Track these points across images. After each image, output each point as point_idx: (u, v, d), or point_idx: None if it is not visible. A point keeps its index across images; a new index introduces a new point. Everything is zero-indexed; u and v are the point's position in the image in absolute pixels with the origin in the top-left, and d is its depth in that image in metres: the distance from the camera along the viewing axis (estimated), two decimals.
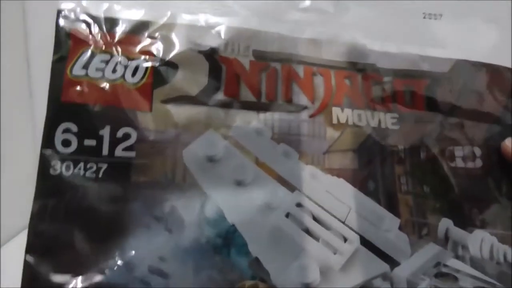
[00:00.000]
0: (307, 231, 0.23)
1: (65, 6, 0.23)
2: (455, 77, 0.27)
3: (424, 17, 0.29)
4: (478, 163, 0.27)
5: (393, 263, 0.23)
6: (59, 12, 0.23)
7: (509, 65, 0.29)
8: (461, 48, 0.28)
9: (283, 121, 0.24)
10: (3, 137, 0.33)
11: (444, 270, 0.24)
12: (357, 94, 0.26)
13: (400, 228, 0.24)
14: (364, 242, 0.24)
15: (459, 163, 0.27)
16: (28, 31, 0.36)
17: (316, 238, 0.23)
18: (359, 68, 0.26)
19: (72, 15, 0.23)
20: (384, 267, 0.23)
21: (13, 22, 0.35)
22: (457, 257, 0.24)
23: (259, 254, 0.22)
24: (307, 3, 0.27)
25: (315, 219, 0.24)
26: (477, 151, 0.27)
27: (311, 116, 0.25)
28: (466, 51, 0.28)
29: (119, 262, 0.20)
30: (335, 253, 0.23)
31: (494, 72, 0.28)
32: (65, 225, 0.20)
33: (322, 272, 0.22)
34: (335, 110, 0.25)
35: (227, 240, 0.22)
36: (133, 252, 0.20)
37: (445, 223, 0.25)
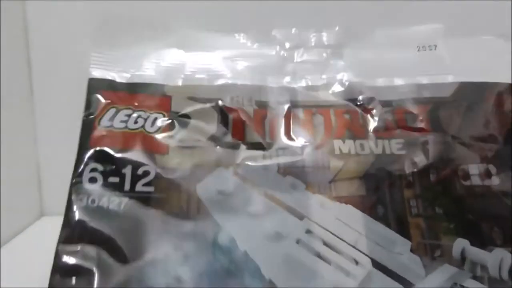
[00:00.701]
0: (319, 256, 0.24)
1: (95, 74, 0.27)
2: (458, 100, 0.28)
3: (419, 50, 0.29)
4: (495, 180, 0.26)
5: (407, 285, 0.23)
6: (90, 79, 0.27)
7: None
8: (462, 71, 0.28)
9: (287, 156, 0.26)
10: (3, 137, 0.33)
11: None
12: (358, 126, 0.27)
13: (411, 250, 0.24)
14: (377, 265, 0.23)
15: (475, 181, 0.26)
16: (29, 31, 0.35)
17: (328, 262, 0.23)
18: (358, 104, 0.28)
19: (101, 81, 0.27)
20: None
21: (14, 21, 0.35)
22: (475, 277, 0.24)
23: (273, 278, 0.22)
24: (302, 55, 0.30)
25: (325, 244, 0.24)
26: (492, 169, 0.26)
27: (314, 149, 0.26)
28: (467, 74, 0.28)
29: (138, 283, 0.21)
30: (347, 276, 0.23)
31: (499, 89, 0.28)
32: (89, 254, 0.22)
33: None
34: (337, 143, 0.27)
35: (240, 265, 0.23)
36: (154, 278, 0.21)
37: (460, 243, 0.24)
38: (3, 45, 0.34)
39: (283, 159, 0.26)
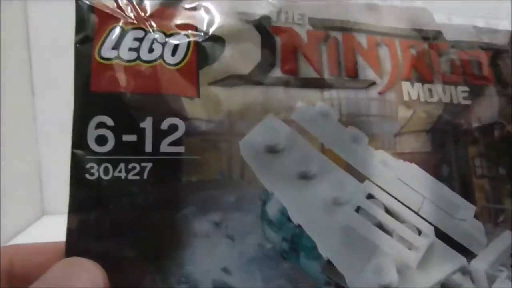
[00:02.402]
0: (380, 226, 0.19)
1: None
2: None
3: None
4: None
5: (468, 254, 0.20)
6: None
7: None
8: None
9: (351, 100, 0.20)
10: (4, 137, 0.31)
11: None
12: (424, 65, 0.22)
13: (475, 216, 0.21)
14: (439, 234, 0.20)
15: None
16: (30, 27, 0.34)
17: (390, 233, 0.19)
18: (425, 36, 0.22)
19: None
20: (462, 260, 0.20)
21: (15, 19, 0.34)
22: None
23: (331, 256, 0.18)
24: None
25: (387, 211, 0.20)
26: None
27: (381, 93, 0.20)
28: None
29: (179, 278, 0.16)
30: (410, 249, 0.19)
31: None
32: (112, 241, 0.16)
33: (399, 270, 0.19)
34: (405, 85, 0.21)
35: (294, 244, 0.18)
36: (194, 266, 0.16)
37: None
38: (3, 44, 0.32)
39: (346, 104, 0.20)
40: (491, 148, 0.22)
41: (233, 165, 0.18)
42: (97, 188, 0.16)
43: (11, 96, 0.32)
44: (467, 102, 0.22)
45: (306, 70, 0.19)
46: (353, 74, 0.20)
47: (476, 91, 0.22)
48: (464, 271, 0.20)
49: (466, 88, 0.22)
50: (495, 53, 0.23)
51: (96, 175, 0.16)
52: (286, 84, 0.19)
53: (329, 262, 0.18)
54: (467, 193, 0.21)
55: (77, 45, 0.17)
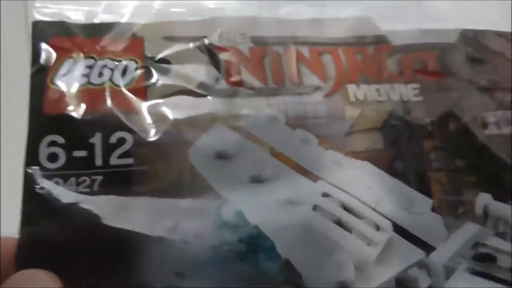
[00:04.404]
0: (338, 223, 0.19)
1: (40, 16, 0.19)
2: (464, 46, 0.24)
3: None
4: None
5: (428, 248, 0.19)
6: (35, 22, 0.19)
7: None
8: (464, 20, 0.25)
9: (297, 104, 0.20)
10: (4, 136, 0.32)
11: (482, 250, 0.20)
12: (371, 68, 0.22)
13: (433, 209, 0.20)
14: (397, 229, 0.20)
15: (493, 129, 0.23)
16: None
17: (349, 230, 0.19)
18: (369, 42, 0.23)
19: (50, 25, 0.20)
20: (420, 253, 0.19)
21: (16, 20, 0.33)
22: (498, 234, 0.21)
23: (289, 256, 0.18)
24: None
25: (345, 208, 0.19)
26: (508, 115, 0.23)
27: (326, 95, 0.21)
28: (469, 23, 0.25)
29: (133, 285, 0.16)
30: (369, 245, 0.19)
31: (505, 38, 0.25)
32: (62, 252, 0.16)
33: (357, 266, 0.18)
34: (351, 88, 0.21)
35: (251, 245, 0.18)
36: (147, 271, 0.16)
37: (483, 198, 0.21)
38: (4, 44, 0.32)
39: (292, 108, 0.20)
40: (447, 141, 0.22)
41: (184, 173, 0.18)
42: (47, 201, 0.16)
43: (12, 96, 0.32)
44: (419, 98, 0.22)
45: (251, 81, 0.20)
46: (297, 81, 0.21)
47: (427, 87, 0.22)
48: (421, 265, 0.19)
49: (416, 85, 0.22)
50: (442, 51, 0.24)
51: (47, 189, 0.16)
52: (232, 95, 0.20)
53: (287, 261, 0.18)
54: (423, 187, 0.21)
55: (32, 75, 0.18)
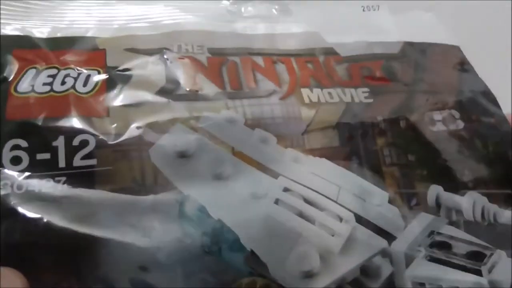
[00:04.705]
0: (301, 215, 0.20)
1: (6, 30, 0.20)
2: (407, 57, 0.26)
3: (364, 10, 0.28)
4: (460, 124, 0.25)
5: (389, 237, 0.20)
6: (1, 36, 0.20)
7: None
8: (403, 33, 0.28)
9: (254, 106, 0.21)
10: None
11: (438, 238, 0.21)
12: (322, 75, 0.24)
13: (389, 202, 0.21)
14: (360, 220, 0.20)
15: (440, 126, 0.24)
16: None
17: (312, 221, 0.19)
18: (318, 53, 0.25)
19: (14, 39, 0.20)
20: (383, 243, 0.20)
21: None
22: (451, 223, 0.22)
23: (254, 247, 0.18)
24: (250, 10, 0.26)
25: (306, 201, 0.20)
26: (455, 114, 0.25)
27: (282, 98, 0.22)
28: (409, 35, 0.28)
29: (95, 279, 0.16)
30: (333, 235, 0.19)
31: (442, 49, 0.28)
32: (26, 250, 0.16)
33: (322, 256, 0.19)
34: (305, 91, 0.23)
35: (215, 238, 0.18)
36: (110, 266, 0.16)
37: (434, 190, 0.22)
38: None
39: (249, 110, 0.21)
40: (398, 137, 0.23)
41: (146, 172, 0.19)
42: (9, 202, 0.16)
43: None
44: (369, 100, 0.23)
45: (209, 87, 0.21)
46: (254, 86, 0.22)
47: (376, 91, 0.24)
48: (384, 253, 0.20)
49: (366, 89, 0.24)
50: (387, 60, 0.26)
51: (10, 190, 0.17)
52: (191, 99, 0.21)
53: (252, 253, 0.18)
54: (378, 181, 0.22)
55: None
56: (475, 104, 0.26)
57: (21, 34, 0.20)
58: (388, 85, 0.25)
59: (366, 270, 0.19)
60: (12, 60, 0.19)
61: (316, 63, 0.24)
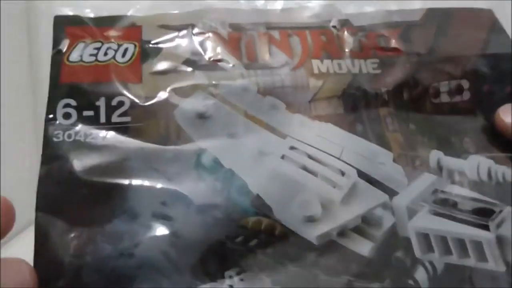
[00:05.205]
0: (305, 169, 0.22)
1: (61, 12, 0.25)
2: (428, 23, 0.27)
3: None
4: (466, 95, 0.26)
5: (391, 193, 0.22)
6: (56, 16, 0.24)
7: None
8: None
9: (267, 76, 0.24)
10: (4, 136, 0.33)
11: (442, 196, 0.23)
12: (334, 47, 0.26)
13: (394, 161, 0.23)
14: (362, 175, 0.23)
15: (444, 98, 0.26)
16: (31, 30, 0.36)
17: (314, 174, 0.22)
18: (333, 25, 0.27)
19: (67, 18, 0.25)
20: (384, 197, 0.22)
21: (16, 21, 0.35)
22: (454, 183, 0.23)
23: (260, 192, 0.21)
24: None
25: (310, 157, 0.23)
26: (465, 84, 0.26)
27: (293, 69, 0.25)
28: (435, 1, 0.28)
29: (123, 211, 0.20)
30: (334, 187, 0.22)
31: (468, 13, 0.28)
32: (71, 185, 0.20)
33: (324, 205, 0.21)
34: (315, 62, 0.25)
35: (226, 182, 0.21)
36: (135, 200, 0.20)
37: (435, 155, 0.24)
38: (3, 42, 0.33)
39: (262, 79, 0.24)
40: (400, 108, 0.25)
41: (170, 129, 0.22)
42: (61, 147, 0.21)
43: (12, 96, 0.34)
44: (377, 71, 0.25)
45: (228, 59, 0.24)
46: (268, 58, 0.25)
47: (385, 62, 0.26)
48: (385, 206, 0.22)
49: (375, 60, 0.26)
50: (406, 28, 0.27)
51: (61, 138, 0.21)
52: (211, 69, 0.24)
53: (258, 196, 0.21)
54: (383, 144, 0.24)
55: (53, 55, 0.23)
56: (493, 72, 0.26)
57: (72, 13, 0.25)
58: (400, 56, 0.26)
59: (367, 220, 0.21)
60: (65, 36, 0.24)
61: (330, 35, 0.26)
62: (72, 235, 0.19)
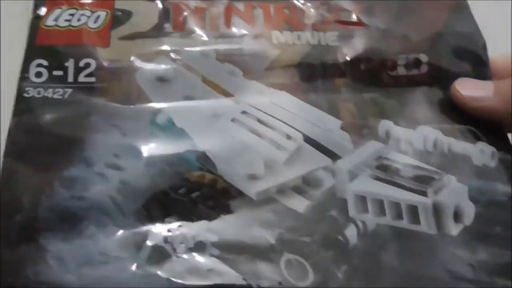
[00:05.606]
0: (252, 131, 0.24)
1: None
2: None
3: None
4: (424, 68, 0.27)
5: (335, 158, 0.23)
6: None
7: None
8: None
9: (226, 44, 0.26)
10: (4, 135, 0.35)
11: (385, 162, 0.24)
12: (296, 20, 0.27)
13: (342, 128, 0.24)
14: (308, 140, 0.24)
15: (401, 71, 0.27)
16: None
17: (261, 137, 0.24)
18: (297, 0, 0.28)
19: None
20: (326, 160, 0.23)
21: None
22: (399, 151, 0.24)
23: (206, 149, 0.23)
24: None
25: (259, 121, 0.24)
26: (423, 57, 0.27)
27: (252, 39, 0.26)
28: None
29: (80, 159, 0.22)
30: (279, 149, 0.23)
31: None
32: (37, 134, 0.22)
33: (267, 164, 0.23)
34: (275, 33, 0.27)
35: (176, 140, 0.23)
36: (92, 151, 0.22)
37: (385, 124, 0.25)
38: (3, 41, 0.35)
39: (222, 47, 0.26)
40: (356, 79, 0.26)
41: (132, 91, 0.24)
42: (31, 102, 0.23)
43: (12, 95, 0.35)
44: (336, 44, 0.27)
45: (192, 27, 0.26)
46: (230, 28, 0.26)
47: (345, 34, 0.27)
48: (327, 169, 0.23)
49: (335, 33, 0.27)
50: (370, 3, 0.28)
51: (31, 94, 0.23)
52: (175, 36, 0.26)
53: (203, 153, 0.23)
54: (333, 113, 0.25)
55: (32, 19, 0.25)
56: (453, 49, 0.27)
57: None
58: (361, 29, 0.27)
59: (308, 180, 0.23)
60: (45, 2, 0.26)
61: (293, 9, 0.28)
62: (33, 178, 0.22)
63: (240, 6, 0.27)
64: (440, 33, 0.27)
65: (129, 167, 0.22)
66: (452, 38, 0.27)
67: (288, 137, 0.24)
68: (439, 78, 0.26)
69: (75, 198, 0.21)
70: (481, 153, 0.24)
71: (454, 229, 0.22)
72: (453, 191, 0.22)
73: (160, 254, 0.20)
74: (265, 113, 0.25)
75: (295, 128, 0.24)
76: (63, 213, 0.21)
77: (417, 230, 0.22)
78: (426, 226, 0.22)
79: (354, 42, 0.27)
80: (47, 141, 0.22)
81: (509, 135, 0.25)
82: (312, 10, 0.28)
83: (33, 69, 0.24)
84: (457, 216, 0.22)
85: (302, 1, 0.28)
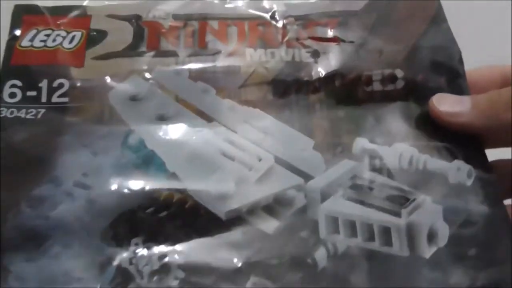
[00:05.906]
0: (223, 153, 0.24)
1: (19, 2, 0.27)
2: (368, 13, 0.28)
3: None
4: (400, 84, 0.26)
5: (308, 178, 0.23)
6: (16, 5, 0.27)
7: None
8: None
9: (199, 62, 0.26)
10: None
11: (359, 182, 0.23)
12: (270, 37, 0.27)
13: (314, 148, 0.24)
14: (279, 161, 0.24)
15: (376, 86, 0.26)
16: None
17: (232, 158, 0.24)
18: (272, 16, 0.28)
19: (26, 6, 0.27)
20: (298, 179, 0.23)
21: None
22: (374, 170, 0.24)
23: (176, 171, 0.23)
24: None
25: (230, 143, 0.24)
26: (399, 73, 0.26)
27: (226, 56, 0.26)
28: None
29: (49, 179, 0.22)
30: (250, 170, 0.23)
31: (412, 4, 0.29)
32: (7, 153, 0.23)
33: (237, 184, 0.23)
34: (248, 51, 0.27)
35: (146, 160, 0.23)
36: (61, 170, 0.22)
37: (360, 142, 0.24)
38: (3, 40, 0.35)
39: (194, 65, 0.26)
40: (330, 95, 0.26)
41: (104, 110, 0.24)
42: (3, 122, 0.23)
43: None
44: (310, 60, 0.26)
45: (166, 46, 0.26)
46: (203, 46, 0.26)
47: (319, 51, 0.27)
48: (299, 188, 0.23)
49: (310, 50, 0.27)
50: (344, 18, 0.28)
51: (4, 114, 0.24)
52: (149, 56, 0.26)
53: (173, 174, 0.23)
54: (306, 130, 0.25)
55: (8, 40, 0.26)
56: (429, 63, 0.27)
57: (31, 3, 0.27)
58: (336, 45, 0.27)
59: (280, 200, 0.23)
60: (21, 23, 0.26)
61: (268, 26, 0.28)
62: (1, 197, 0.22)
63: (215, 24, 0.27)
64: (416, 46, 0.27)
65: (97, 186, 0.22)
66: (428, 52, 0.27)
67: (260, 159, 0.24)
68: (415, 93, 0.26)
69: (41, 218, 0.21)
70: (458, 171, 0.24)
71: (427, 251, 0.21)
72: (428, 212, 0.22)
73: (124, 276, 0.20)
74: (237, 133, 0.25)
75: (266, 150, 0.24)
76: (28, 232, 0.21)
77: (389, 252, 0.21)
78: (398, 247, 0.21)
79: (329, 58, 0.27)
80: (17, 161, 0.23)
81: (487, 151, 0.25)
82: (286, 26, 0.27)
83: (7, 90, 0.24)
84: (431, 237, 0.22)
85: (277, 18, 0.28)
